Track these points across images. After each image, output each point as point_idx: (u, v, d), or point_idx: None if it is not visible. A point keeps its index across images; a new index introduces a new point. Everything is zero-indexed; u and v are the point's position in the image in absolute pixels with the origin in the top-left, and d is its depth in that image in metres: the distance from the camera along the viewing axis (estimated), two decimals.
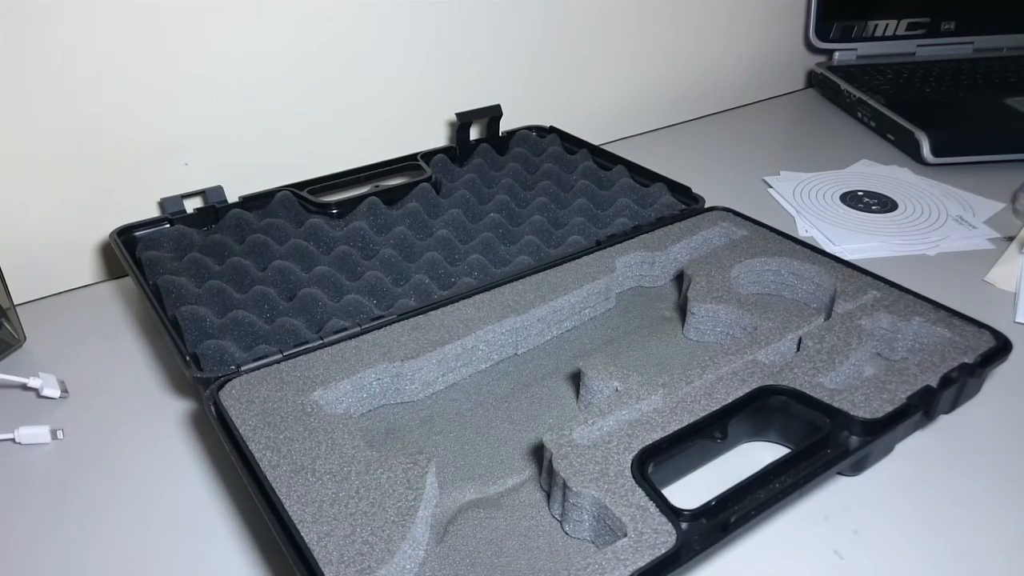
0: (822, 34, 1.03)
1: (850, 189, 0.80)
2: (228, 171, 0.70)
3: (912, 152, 0.86)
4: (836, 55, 1.05)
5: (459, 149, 0.78)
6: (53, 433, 0.51)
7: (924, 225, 0.73)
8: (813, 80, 1.09)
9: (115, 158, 0.66)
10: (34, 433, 0.50)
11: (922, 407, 0.45)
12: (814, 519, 0.44)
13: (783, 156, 0.90)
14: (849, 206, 0.77)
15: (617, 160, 0.75)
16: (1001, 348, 0.48)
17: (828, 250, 0.61)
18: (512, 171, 0.75)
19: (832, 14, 1.03)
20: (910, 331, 0.51)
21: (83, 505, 0.46)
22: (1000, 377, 0.51)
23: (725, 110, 1.05)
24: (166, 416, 0.53)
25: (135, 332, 0.62)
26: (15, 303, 0.59)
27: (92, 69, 0.63)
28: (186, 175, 0.69)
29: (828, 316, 0.54)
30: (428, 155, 0.76)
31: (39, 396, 0.53)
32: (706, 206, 0.66)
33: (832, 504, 0.44)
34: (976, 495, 0.45)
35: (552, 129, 0.82)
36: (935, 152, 0.83)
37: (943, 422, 0.49)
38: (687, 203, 0.68)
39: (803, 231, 0.73)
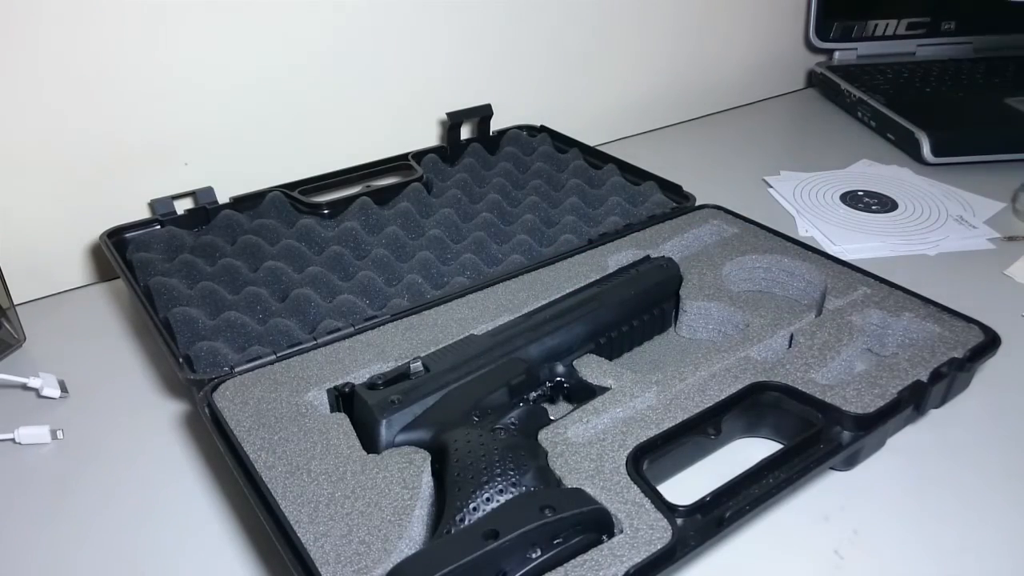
0: (822, 34, 1.03)
1: (850, 189, 0.80)
2: (218, 172, 0.70)
3: (912, 152, 0.86)
4: (836, 55, 1.05)
5: (450, 149, 0.78)
6: (53, 433, 0.50)
7: (924, 225, 0.73)
8: (813, 80, 1.09)
9: (110, 160, 0.66)
10: (34, 433, 0.50)
11: (913, 401, 0.45)
12: (814, 519, 0.44)
13: (783, 156, 0.90)
14: (849, 206, 0.77)
15: (608, 159, 0.75)
16: (990, 343, 0.49)
17: (828, 250, 0.61)
18: (503, 170, 0.75)
19: (832, 14, 1.02)
20: (900, 327, 0.52)
21: (82, 505, 0.46)
22: (989, 372, 0.52)
23: (725, 110, 1.05)
24: (164, 417, 0.53)
25: (132, 333, 0.62)
26: (15, 303, 0.59)
27: (85, 72, 0.63)
28: (179, 176, 0.69)
29: (819, 313, 0.54)
30: (419, 155, 0.75)
31: (39, 396, 0.53)
32: (696, 204, 0.66)
33: (832, 504, 0.45)
34: (970, 490, 0.45)
35: (543, 128, 0.82)
36: (935, 152, 0.83)
37: (933, 416, 0.49)
38: (678, 201, 0.68)
39: (803, 231, 0.72)
